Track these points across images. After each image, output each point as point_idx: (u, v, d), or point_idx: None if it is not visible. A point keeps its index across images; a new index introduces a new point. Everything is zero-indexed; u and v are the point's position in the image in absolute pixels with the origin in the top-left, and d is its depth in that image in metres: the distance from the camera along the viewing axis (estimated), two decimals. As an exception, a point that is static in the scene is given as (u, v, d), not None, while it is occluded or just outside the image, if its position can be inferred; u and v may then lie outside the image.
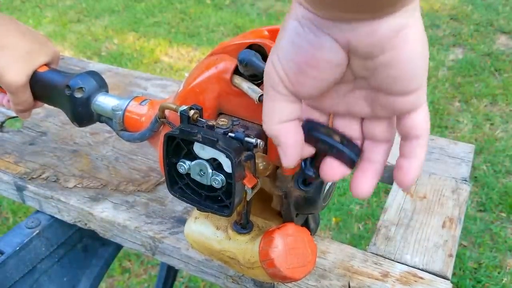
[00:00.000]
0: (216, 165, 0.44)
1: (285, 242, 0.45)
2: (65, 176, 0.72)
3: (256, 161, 0.45)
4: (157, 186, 0.70)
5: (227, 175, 0.43)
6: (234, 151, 0.42)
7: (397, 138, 0.37)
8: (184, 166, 0.45)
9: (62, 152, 0.78)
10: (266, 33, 0.49)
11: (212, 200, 0.46)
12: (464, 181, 0.70)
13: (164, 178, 0.71)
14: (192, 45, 3.15)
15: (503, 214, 1.77)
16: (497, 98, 2.40)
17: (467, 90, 2.48)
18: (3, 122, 0.86)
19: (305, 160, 0.40)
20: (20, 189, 0.71)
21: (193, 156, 0.45)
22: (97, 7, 3.84)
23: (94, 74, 0.61)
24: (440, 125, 2.23)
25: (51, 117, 0.88)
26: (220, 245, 0.51)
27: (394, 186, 0.70)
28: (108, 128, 0.84)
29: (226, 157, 0.42)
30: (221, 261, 0.53)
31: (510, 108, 2.34)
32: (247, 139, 0.43)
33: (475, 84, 2.54)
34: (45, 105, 0.72)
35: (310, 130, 0.38)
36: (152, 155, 0.77)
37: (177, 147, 0.46)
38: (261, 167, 0.46)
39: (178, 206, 0.66)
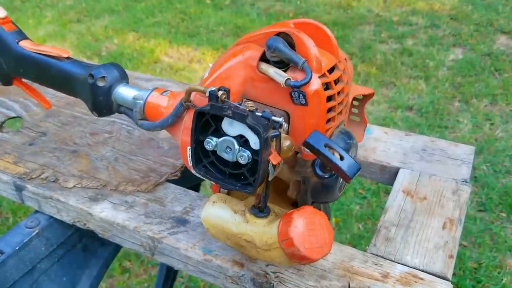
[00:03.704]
0: (243, 142, 0.45)
1: (304, 222, 0.46)
2: (65, 176, 0.72)
3: (281, 140, 0.46)
4: (157, 187, 0.70)
5: (253, 152, 0.45)
6: (263, 127, 0.43)
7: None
8: (211, 142, 0.46)
9: (61, 152, 0.78)
10: (292, 25, 0.50)
11: (236, 178, 0.47)
12: (465, 183, 0.70)
13: (163, 178, 0.71)
14: (192, 45, 3.14)
15: (503, 214, 1.77)
16: (497, 98, 2.40)
17: (467, 90, 2.47)
18: (2, 123, 0.86)
19: (315, 162, 0.46)
20: (19, 189, 0.71)
21: (220, 134, 0.46)
22: (97, 7, 3.84)
23: (116, 66, 0.62)
24: (440, 125, 2.23)
25: (50, 118, 0.88)
26: (237, 228, 0.51)
27: (394, 187, 0.70)
28: (108, 128, 0.84)
29: (255, 132, 0.43)
30: (237, 245, 0.53)
31: (510, 108, 2.34)
32: (274, 118, 0.45)
33: (475, 84, 2.54)
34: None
35: (314, 143, 0.43)
36: (152, 156, 0.77)
37: (205, 124, 0.47)
38: (285, 147, 0.47)
39: (177, 206, 0.66)
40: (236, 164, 0.46)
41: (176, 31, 3.36)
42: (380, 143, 0.77)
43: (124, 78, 0.62)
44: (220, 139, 0.46)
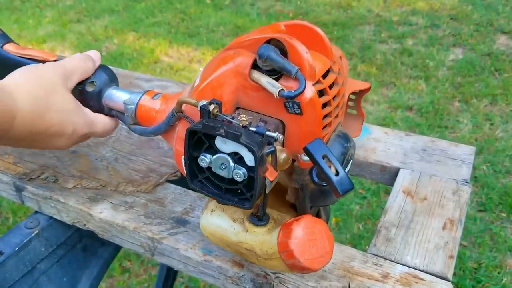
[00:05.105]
0: (238, 159, 0.44)
1: (304, 233, 0.46)
2: (64, 176, 0.72)
3: (277, 154, 0.45)
4: (157, 187, 0.70)
5: (249, 169, 0.44)
6: (257, 145, 0.42)
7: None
8: (205, 160, 0.45)
9: (61, 152, 0.78)
10: (283, 28, 0.49)
11: (233, 193, 0.47)
12: (465, 183, 0.70)
13: (163, 179, 0.71)
14: (192, 45, 3.14)
15: (503, 214, 1.77)
16: (497, 98, 2.40)
17: (467, 90, 2.47)
18: (2, 123, 0.86)
19: (313, 169, 0.46)
20: (19, 189, 0.71)
21: (214, 150, 0.45)
22: (97, 7, 3.84)
23: (105, 68, 0.61)
24: (440, 125, 2.23)
25: (50, 118, 0.88)
26: (237, 237, 0.51)
27: (395, 187, 0.69)
28: (108, 128, 0.84)
29: (249, 151, 0.42)
30: (238, 253, 0.53)
31: (510, 108, 2.34)
32: (268, 133, 0.44)
33: (475, 84, 2.54)
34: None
35: (313, 150, 0.43)
36: (151, 156, 0.77)
37: (198, 141, 0.46)
38: (281, 160, 0.46)
39: (177, 207, 0.66)
40: (232, 180, 0.45)
41: (176, 31, 3.36)
42: (380, 144, 0.77)
43: (113, 81, 0.61)
44: (214, 156, 0.45)
